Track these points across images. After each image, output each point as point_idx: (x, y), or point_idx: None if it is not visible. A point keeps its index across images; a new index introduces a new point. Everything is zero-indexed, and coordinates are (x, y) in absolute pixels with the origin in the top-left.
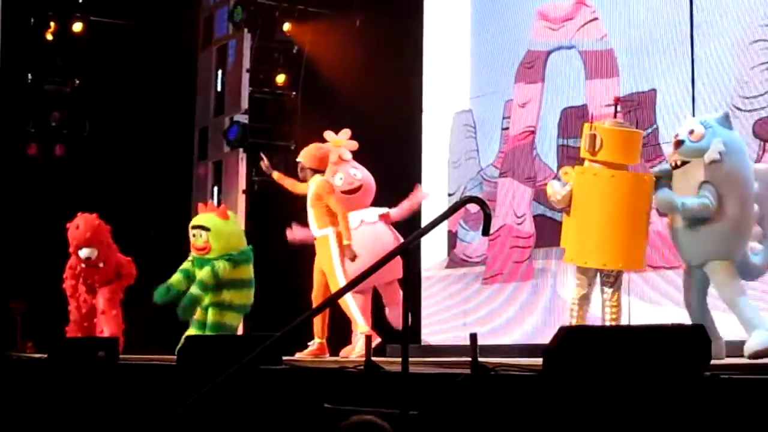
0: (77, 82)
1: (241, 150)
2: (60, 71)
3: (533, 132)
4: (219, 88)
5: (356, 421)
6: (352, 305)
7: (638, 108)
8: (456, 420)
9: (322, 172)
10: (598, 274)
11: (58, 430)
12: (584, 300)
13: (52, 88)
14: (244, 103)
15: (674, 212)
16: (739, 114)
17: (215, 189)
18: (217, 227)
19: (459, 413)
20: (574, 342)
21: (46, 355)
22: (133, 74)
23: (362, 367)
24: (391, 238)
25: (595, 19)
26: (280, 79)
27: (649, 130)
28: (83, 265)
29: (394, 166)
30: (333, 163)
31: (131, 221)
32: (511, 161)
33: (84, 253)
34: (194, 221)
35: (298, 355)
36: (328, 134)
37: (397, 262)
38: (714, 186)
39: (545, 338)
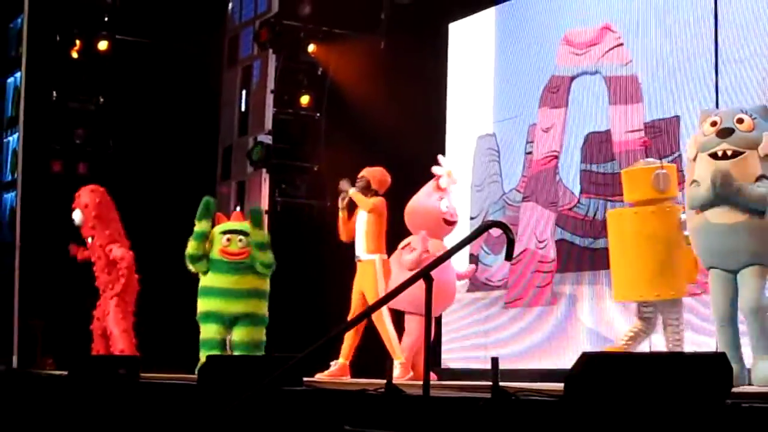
0: (102, 100)
1: (264, 170)
2: (85, 89)
3: (556, 157)
4: (243, 108)
5: None
6: (393, 335)
7: (661, 134)
8: None
9: (379, 195)
10: (657, 314)
11: None
12: (636, 337)
13: (76, 106)
14: (268, 124)
15: (731, 195)
16: None
17: (238, 209)
18: (257, 237)
19: None
20: (596, 368)
21: (66, 372)
22: (157, 93)
23: (383, 390)
24: (452, 271)
25: (621, 44)
26: (305, 100)
27: (671, 158)
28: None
29: (417, 189)
30: (440, 189)
31: (154, 240)
32: (534, 186)
33: (74, 215)
34: (227, 226)
35: (318, 376)
36: (441, 162)
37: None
38: None
39: (567, 363)
